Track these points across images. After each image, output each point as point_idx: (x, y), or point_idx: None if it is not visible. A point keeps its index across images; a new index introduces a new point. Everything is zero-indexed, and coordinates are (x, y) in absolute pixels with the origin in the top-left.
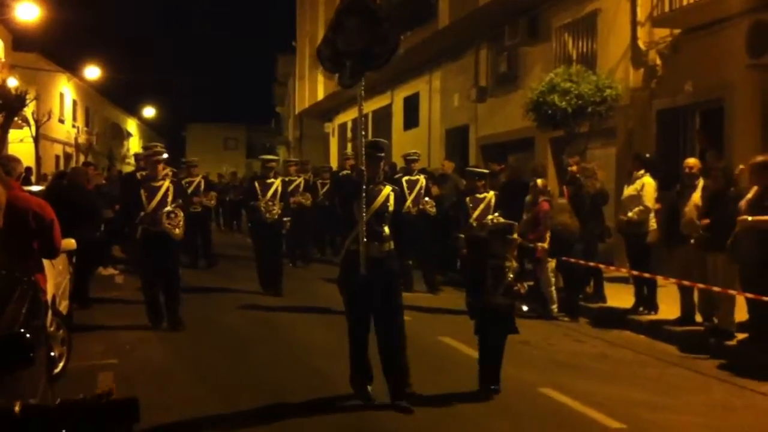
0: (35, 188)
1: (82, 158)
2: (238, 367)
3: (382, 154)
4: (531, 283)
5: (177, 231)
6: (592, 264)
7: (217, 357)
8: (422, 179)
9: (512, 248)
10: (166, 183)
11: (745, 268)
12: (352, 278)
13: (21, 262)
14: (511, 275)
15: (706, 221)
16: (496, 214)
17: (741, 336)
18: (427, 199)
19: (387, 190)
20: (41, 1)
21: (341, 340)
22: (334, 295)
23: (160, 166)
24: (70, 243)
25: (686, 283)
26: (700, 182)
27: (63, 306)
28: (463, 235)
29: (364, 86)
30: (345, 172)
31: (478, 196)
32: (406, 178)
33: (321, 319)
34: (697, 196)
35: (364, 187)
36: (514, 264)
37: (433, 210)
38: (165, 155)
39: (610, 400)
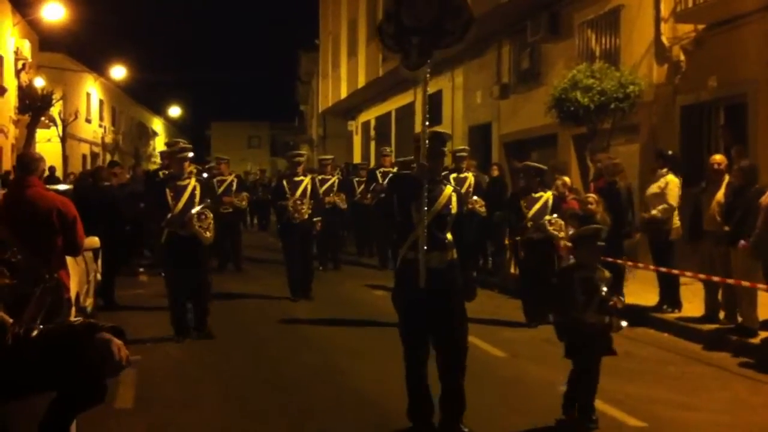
0: (62, 187)
1: (108, 157)
2: (256, 366)
3: (445, 148)
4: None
5: (208, 234)
6: (620, 261)
7: (238, 356)
8: (470, 177)
9: (600, 256)
10: (192, 182)
11: None
12: (409, 291)
13: (44, 259)
14: (605, 288)
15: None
16: (555, 215)
17: (765, 334)
18: (475, 198)
19: (448, 190)
20: (67, 1)
21: (369, 343)
22: (366, 300)
23: (186, 164)
24: (94, 241)
25: (712, 277)
26: (726, 178)
27: (87, 303)
28: (518, 238)
29: (430, 70)
30: (383, 169)
31: (534, 195)
32: (454, 175)
33: (350, 325)
34: (720, 193)
35: (426, 186)
36: (606, 274)
37: (483, 210)
38: (190, 152)
39: (631, 397)
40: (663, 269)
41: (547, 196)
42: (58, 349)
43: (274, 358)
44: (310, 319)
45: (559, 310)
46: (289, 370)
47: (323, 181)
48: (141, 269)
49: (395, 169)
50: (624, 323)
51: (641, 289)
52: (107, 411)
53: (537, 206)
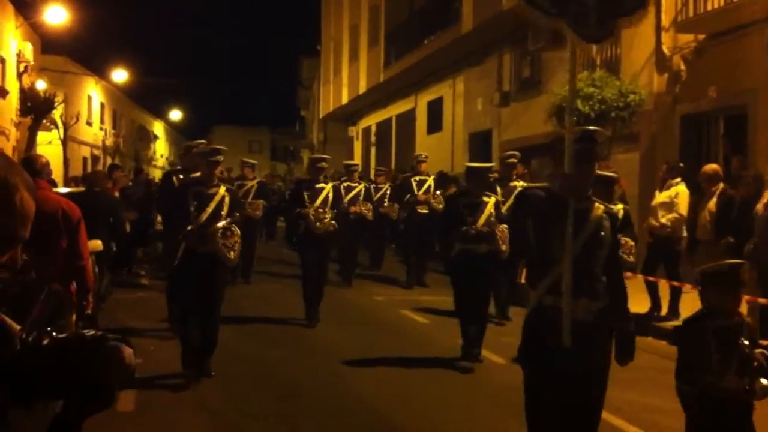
0: (63, 190)
1: (109, 160)
2: (257, 370)
3: (595, 150)
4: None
5: (232, 255)
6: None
7: (238, 360)
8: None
9: (740, 298)
10: (221, 190)
11: (765, 275)
12: (548, 351)
13: (49, 262)
14: (746, 342)
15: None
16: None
17: (764, 342)
18: None
19: (599, 210)
20: (70, 4)
21: (369, 348)
22: (367, 307)
23: (218, 170)
24: (96, 244)
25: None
26: (719, 188)
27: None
28: None
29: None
30: (420, 177)
31: None
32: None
33: (350, 331)
34: (712, 203)
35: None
36: (746, 318)
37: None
38: (222, 156)
39: (629, 405)
40: (651, 278)
41: (618, 208)
42: (68, 357)
43: (275, 363)
44: (311, 325)
45: (687, 374)
46: (289, 375)
47: (349, 189)
48: (142, 272)
49: (432, 178)
50: (765, 381)
51: (633, 297)
52: (109, 414)
53: None
